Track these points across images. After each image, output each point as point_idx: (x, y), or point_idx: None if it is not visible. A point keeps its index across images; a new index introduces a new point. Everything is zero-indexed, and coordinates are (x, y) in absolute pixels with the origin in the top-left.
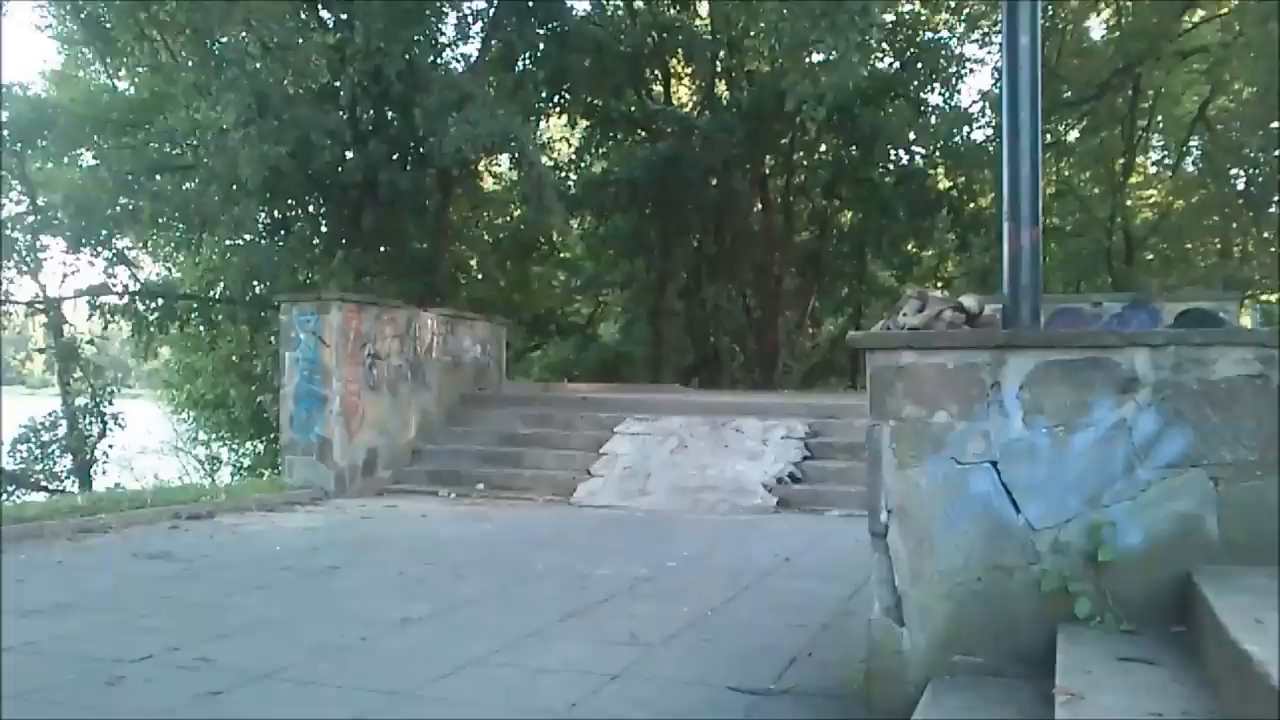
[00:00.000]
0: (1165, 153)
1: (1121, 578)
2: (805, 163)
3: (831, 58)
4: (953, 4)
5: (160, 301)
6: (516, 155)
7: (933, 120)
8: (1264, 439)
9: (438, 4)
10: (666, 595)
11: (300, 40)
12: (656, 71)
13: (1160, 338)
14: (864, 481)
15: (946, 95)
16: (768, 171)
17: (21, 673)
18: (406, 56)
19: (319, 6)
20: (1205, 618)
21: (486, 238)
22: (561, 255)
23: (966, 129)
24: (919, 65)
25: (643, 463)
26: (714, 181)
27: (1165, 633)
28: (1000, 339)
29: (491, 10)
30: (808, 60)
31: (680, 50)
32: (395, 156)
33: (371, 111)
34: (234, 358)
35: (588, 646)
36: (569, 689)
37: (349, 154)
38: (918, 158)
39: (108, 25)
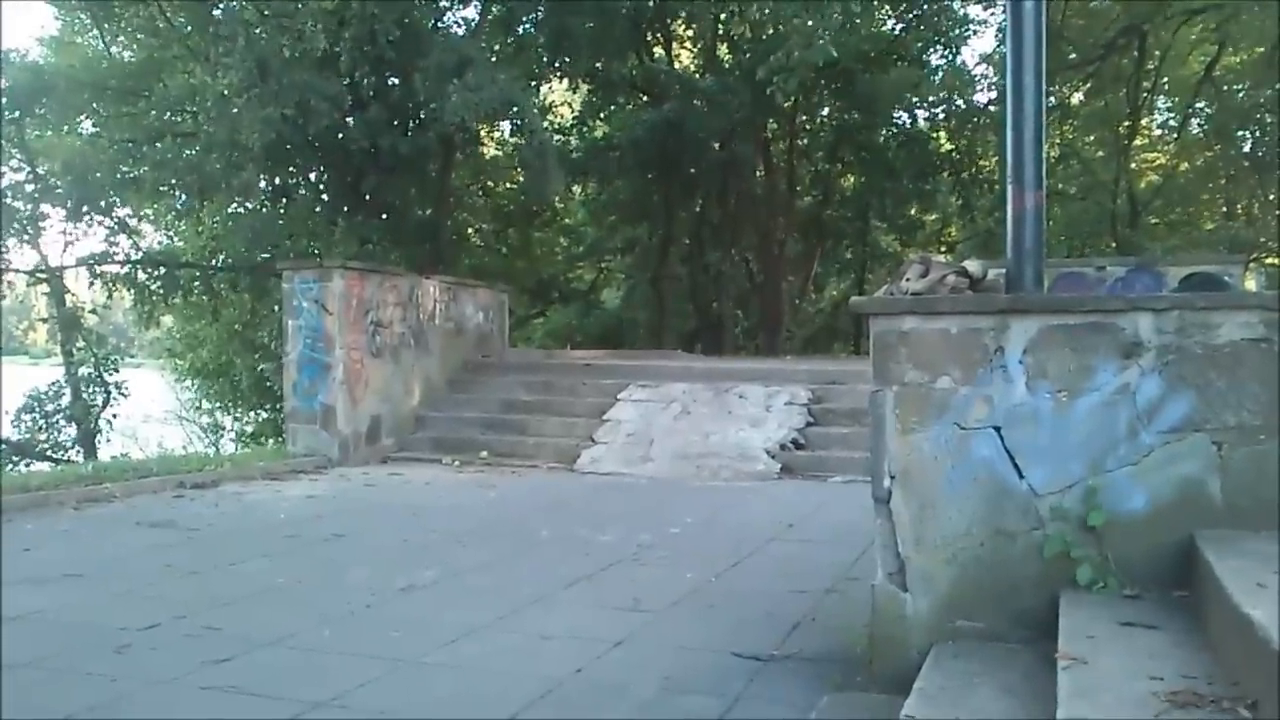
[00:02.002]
0: (1170, 115)
1: (1124, 542)
2: (808, 126)
3: (806, 28)
4: None
5: (162, 270)
6: (518, 122)
7: (935, 83)
8: (1267, 403)
9: None
10: (670, 561)
11: (298, 5)
12: (658, 34)
13: (1164, 302)
14: (867, 447)
15: (950, 58)
16: (770, 135)
17: (29, 641)
18: (405, 21)
19: None
20: (1207, 582)
21: (488, 203)
22: (563, 221)
23: (970, 92)
24: (921, 27)
25: (646, 429)
26: (717, 145)
27: (1167, 597)
28: (1004, 304)
29: None
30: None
31: (682, 12)
32: (396, 122)
33: (371, 76)
34: (236, 326)
35: (592, 613)
36: (573, 655)
37: (350, 120)
38: (920, 120)
39: None
